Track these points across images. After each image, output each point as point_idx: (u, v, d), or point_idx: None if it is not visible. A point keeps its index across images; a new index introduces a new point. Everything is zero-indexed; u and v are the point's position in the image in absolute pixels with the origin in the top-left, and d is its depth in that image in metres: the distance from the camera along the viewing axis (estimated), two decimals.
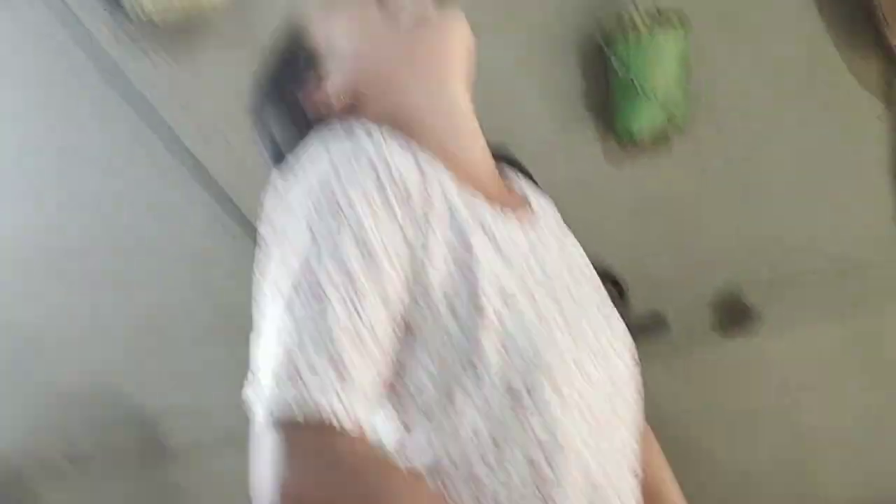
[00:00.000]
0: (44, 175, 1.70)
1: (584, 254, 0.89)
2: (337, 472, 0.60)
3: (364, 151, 0.69)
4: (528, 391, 0.67)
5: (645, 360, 0.92)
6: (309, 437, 0.61)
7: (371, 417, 0.65)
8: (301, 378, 0.60)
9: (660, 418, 0.97)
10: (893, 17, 1.74)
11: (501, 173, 0.87)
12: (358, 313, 0.63)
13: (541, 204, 0.89)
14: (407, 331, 0.68)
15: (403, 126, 0.77)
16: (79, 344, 1.79)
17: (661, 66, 1.68)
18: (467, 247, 0.70)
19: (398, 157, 0.70)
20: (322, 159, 0.69)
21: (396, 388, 0.69)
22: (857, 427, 2.01)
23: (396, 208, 0.67)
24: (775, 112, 1.84)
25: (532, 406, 0.67)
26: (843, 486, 2.01)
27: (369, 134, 0.71)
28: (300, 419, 0.60)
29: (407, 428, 0.69)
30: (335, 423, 0.60)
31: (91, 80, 1.62)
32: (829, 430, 2.01)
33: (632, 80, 1.68)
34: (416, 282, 0.67)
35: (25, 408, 1.78)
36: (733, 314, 1.92)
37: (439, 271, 0.68)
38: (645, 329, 1.81)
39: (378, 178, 0.67)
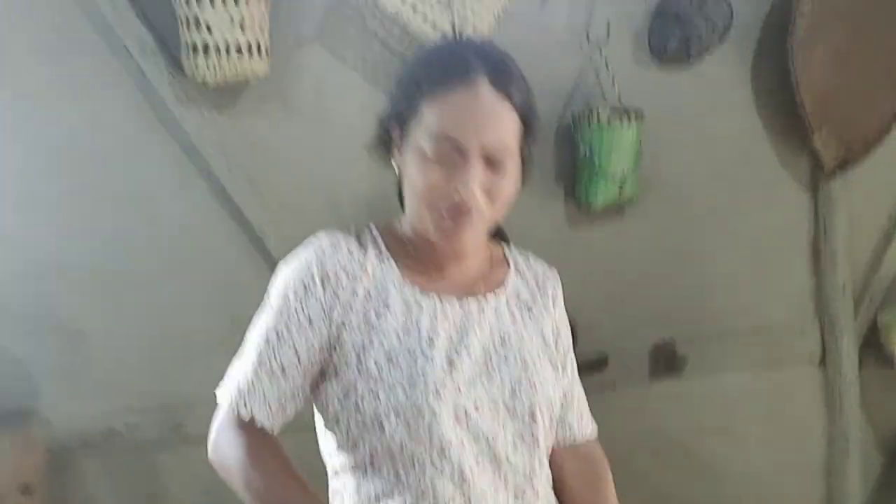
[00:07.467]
0: (104, 205, 1.91)
1: (548, 335, 1.12)
2: (226, 438, 1.00)
3: (306, 253, 1.05)
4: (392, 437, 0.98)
5: (588, 394, 1.21)
6: (225, 416, 1.01)
7: (284, 418, 1.02)
8: (232, 384, 1.02)
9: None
10: (818, 125, 2.06)
11: (500, 261, 1.15)
12: (270, 359, 1.01)
13: (516, 290, 1.12)
14: (326, 373, 1.03)
15: (398, 233, 1.10)
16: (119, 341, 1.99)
17: (617, 151, 1.95)
18: (376, 319, 1.02)
19: (329, 260, 1.03)
20: (296, 253, 1.08)
21: (324, 408, 1.05)
22: (759, 466, 2.25)
23: (321, 294, 1.01)
24: (713, 194, 2.11)
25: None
26: None
27: (318, 239, 1.06)
28: (225, 405, 1.02)
29: (328, 435, 1.07)
30: (238, 412, 1.00)
31: (155, 131, 1.87)
32: (734, 465, 2.25)
33: (593, 160, 1.97)
34: (337, 339, 1.01)
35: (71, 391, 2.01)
36: (667, 360, 2.18)
37: (352, 334, 1.01)
38: (590, 367, 2.06)
39: (307, 274, 1.03)
